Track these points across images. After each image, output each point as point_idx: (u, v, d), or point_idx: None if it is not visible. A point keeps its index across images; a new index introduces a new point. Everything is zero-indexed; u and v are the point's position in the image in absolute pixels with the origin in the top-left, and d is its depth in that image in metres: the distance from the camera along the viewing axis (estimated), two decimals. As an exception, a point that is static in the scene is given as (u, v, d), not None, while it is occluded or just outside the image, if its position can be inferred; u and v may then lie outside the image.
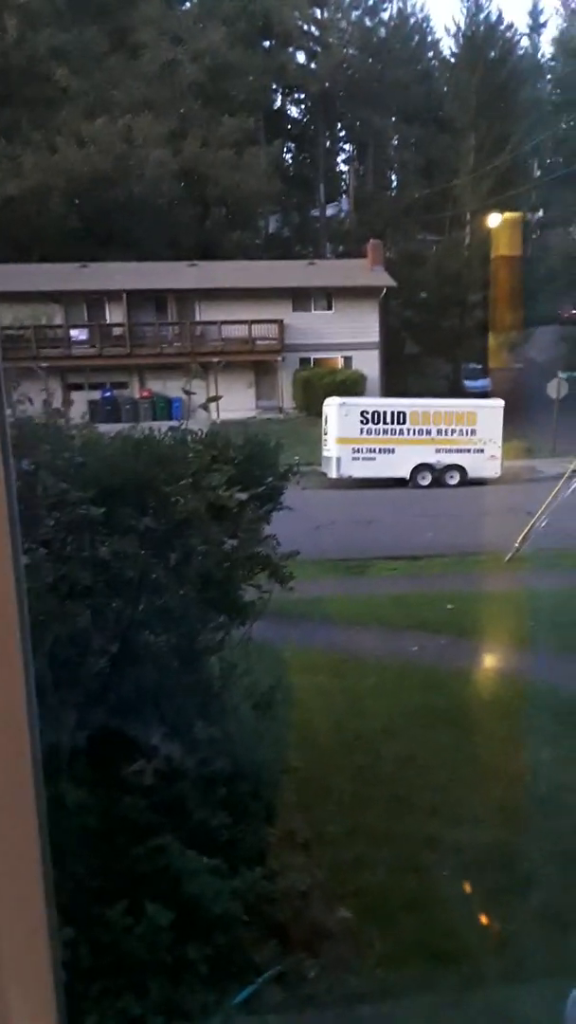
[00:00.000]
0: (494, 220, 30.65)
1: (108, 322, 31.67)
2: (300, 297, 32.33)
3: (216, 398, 4.25)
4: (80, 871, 2.58)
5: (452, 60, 44.60)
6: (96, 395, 28.80)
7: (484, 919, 3.70)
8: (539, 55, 46.76)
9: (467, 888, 3.93)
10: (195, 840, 2.96)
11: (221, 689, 3.85)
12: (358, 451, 21.59)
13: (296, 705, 5.01)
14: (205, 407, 4.17)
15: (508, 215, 30.54)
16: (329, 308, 32.70)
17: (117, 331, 31.36)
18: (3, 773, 0.84)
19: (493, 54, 41.78)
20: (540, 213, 45.70)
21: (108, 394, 29.34)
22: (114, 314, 31.62)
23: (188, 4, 46.00)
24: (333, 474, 21.26)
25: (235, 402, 25.56)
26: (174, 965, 2.67)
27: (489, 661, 8.12)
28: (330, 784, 4.62)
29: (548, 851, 4.26)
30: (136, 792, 2.95)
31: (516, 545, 11.80)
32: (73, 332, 30.69)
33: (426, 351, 37.91)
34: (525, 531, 11.89)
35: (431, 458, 21.83)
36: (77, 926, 2.34)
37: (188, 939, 2.74)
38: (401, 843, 4.14)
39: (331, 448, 21.73)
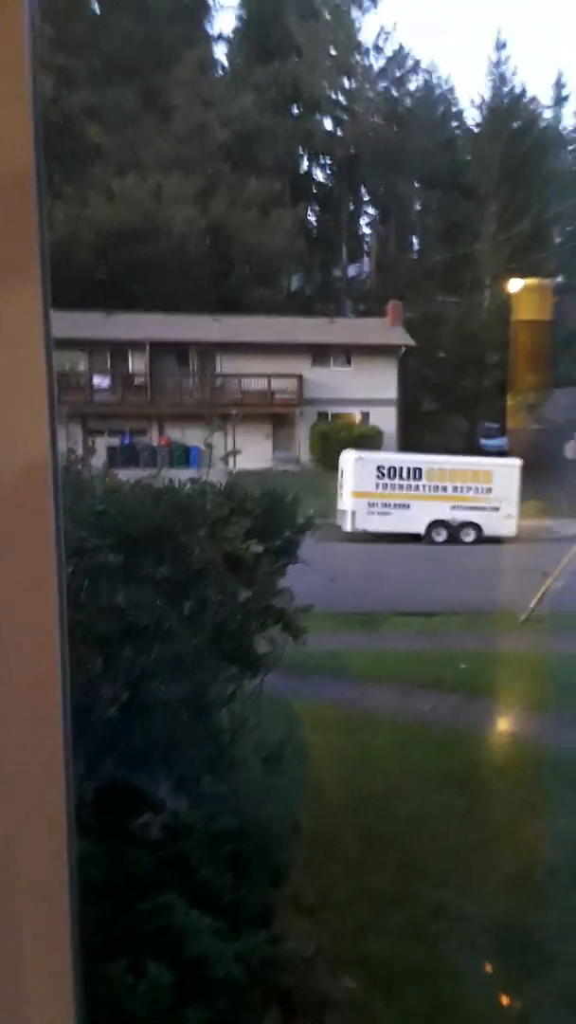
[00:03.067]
0: (515, 285, 31.14)
1: (130, 371, 32.26)
2: (320, 353, 32.83)
3: (235, 452, 4.30)
4: (83, 924, 2.52)
5: (476, 130, 45.88)
6: (115, 441, 29.20)
7: (494, 995, 3.57)
8: (561, 127, 48.03)
9: (477, 961, 3.80)
10: (199, 899, 2.90)
11: (230, 743, 3.80)
12: (373, 505, 21.61)
13: (306, 762, 4.93)
14: (224, 460, 4.21)
15: (529, 281, 31.04)
16: (348, 364, 33.15)
17: (139, 380, 31.91)
18: (38, 818, 0.85)
19: (517, 125, 42.98)
20: (559, 279, 46.40)
21: (127, 441, 29.74)
22: (137, 363, 32.21)
23: (220, 71, 47.86)
24: (348, 527, 21.26)
25: (252, 453, 25.80)
26: (173, 1029, 2.59)
27: (503, 723, 7.98)
28: (338, 845, 4.52)
29: (561, 923, 4.13)
30: (141, 846, 2.90)
31: (531, 605, 11.69)
32: (96, 379, 31.25)
33: (444, 409, 38.23)
34: (541, 591, 11.79)
35: (446, 515, 21.81)
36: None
37: (188, 1001, 2.66)
38: (409, 910, 4.02)
39: (347, 501, 21.77)
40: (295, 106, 46.97)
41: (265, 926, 3.01)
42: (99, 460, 22.66)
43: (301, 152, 48.28)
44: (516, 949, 3.85)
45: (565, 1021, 3.47)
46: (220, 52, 49.52)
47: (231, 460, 4.33)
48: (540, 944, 3.90)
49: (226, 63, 48.65)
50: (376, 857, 4.56)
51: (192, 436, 27.30)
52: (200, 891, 2.94)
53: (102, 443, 28.70)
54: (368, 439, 29.22)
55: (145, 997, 2.52)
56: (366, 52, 47.58)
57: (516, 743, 7.32)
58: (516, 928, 4.00)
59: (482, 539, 21.56)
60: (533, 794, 5.86)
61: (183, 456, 27.08)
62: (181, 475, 4.18)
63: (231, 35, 49.08)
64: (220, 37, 49.87)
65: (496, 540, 21.30)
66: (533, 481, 22.93)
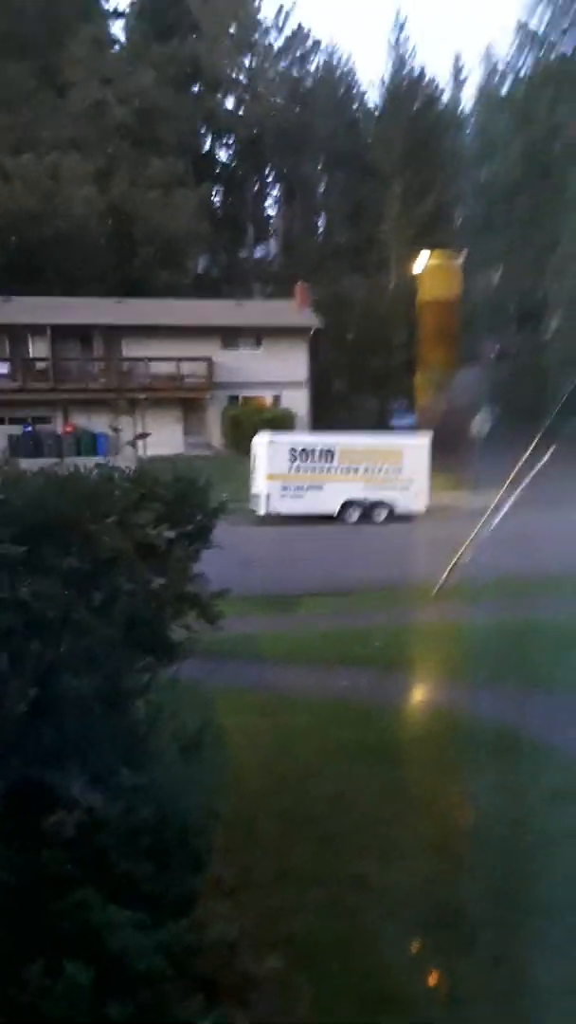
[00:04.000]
0: (420, 265, 31.59)
1: (31, 356, 31.27)
2: (229, 336, 32.61)
3: (144, 435, 4.21)
4: (-5, 930, 2.45)
5: (377, 111, 46.18)
6: (16, 429, 28.30)
7: (417, 961, 3.67)
8: (460, 107, 48.86)
9: (398, 929, 3.89)
10: (118, 893, 2.85)
11: (147, 733, 3.75)
12: (287, 487, 21.70)
13: (225, 747, 4.92)
14: (133, 444, 4.12)
15: (433, 259, 31.53)
16: (258, 347, 33.07)
17: (40, 365, 30.97)
18: None
19: (417, 105, 43.49)
20: (462, 258, 47.36)
21: (29, 428, 28.86)
22: (38, 348, 31.24)
23: (117, 47, 46.58)
24: (262, 511, 21.29)
25: (163, 439, 25.45)
26: (95, 1026, 2.55)
27: (417, 695, 8.18)
28: (258, 827, 4.54)
29: (478, 886, 4.26)
30: (55, 844, 2.83)
31: (442, 579, 11.99)
32: (-8, 365, 30.21)
33: (354, 389, 38.66)
34: (451, 565, 12.11)
35: (359, 494, 22.10)
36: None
37: (110, 997, 2.62)
38: (330, 885, 4.08)
39: (260, 484, 21.79)
40: (195, 85, 46.20)
41: (187, 914, 2.99)
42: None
43: (203, 132, 47.61)
44: (433, 915, 3.96)
45: (485, 977, 3.59)
46: (117, 28, 48.20)
47: (139, 445, 4.24)
48: (457, 908, 4.02)
49: (123, 39, 47.41)
50: (295, 835, 4.60)
51: (99, 423, 26.71)
52: (119, 885, 2.90)
53: (2, 431, 27.76)
54: (280, 422, 29.28)
55: (63, 997, 2.47)
56: (266, 31, 47.24)
57: (428, 713, 7.52)
58: (433, 895, 4.11)
59: (394, 517, 21.97)
60: (445, 761, 6.04)
61: (90, 444, 26.45)
62: (88, 463, 4.07)
63: (127, 10, 47.80)
64: (116, 13, 48.45)
65: (408, 517, 21.75)
66: (442, 457, 23.48)
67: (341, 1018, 3.26)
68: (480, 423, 25.35)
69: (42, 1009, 2.48)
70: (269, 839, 4.39)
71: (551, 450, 12.99)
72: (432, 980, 3.62)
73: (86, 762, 3.19)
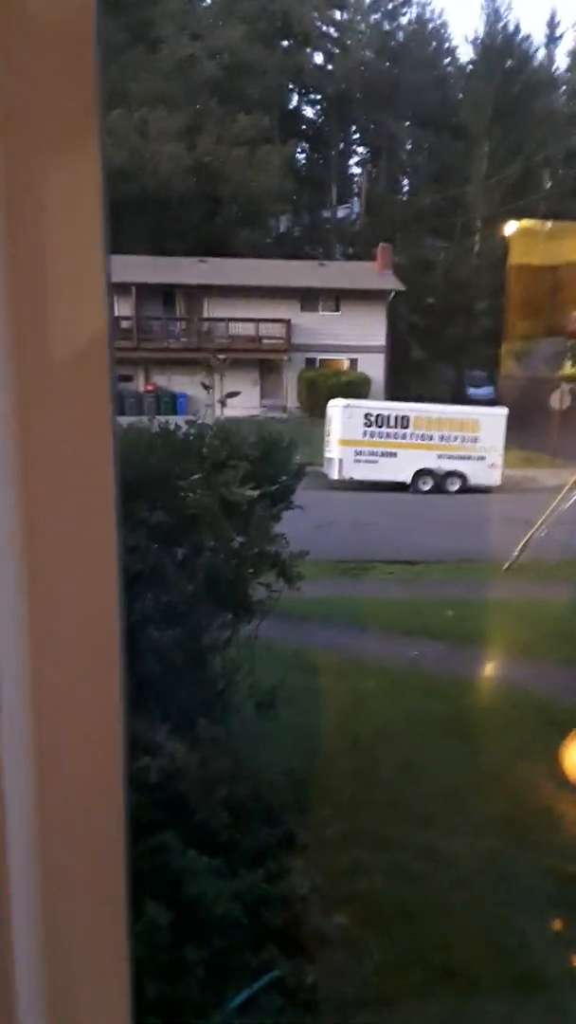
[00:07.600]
0: (511, 228, 30.55)
1: (116, 315, 31.66)
2: (308, 297, 32.30)
3: (234, 394, 4.21)
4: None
5: (469, 67, 44.59)
6: (100, 387, 28.78)
7: (480, 936, 3.67)
8: (554, 67, 46.73)
9: (462, 898, 3.90)
10: (196, 840, 2.93)
11: (224, 688, 3.82)
12: (360, 453, 21.55)
13: (298, 706, 4.97)
14: (223, 402, 4.13)
15: (526, 223, 30.47)
16: (337, 310, 32.67)
17: (125, 324, 31.32)
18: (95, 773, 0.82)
19: (510, 63, 41.78)
20: (549, 224, 45.66)
21: (112, 386, 29.35)
22: (122, 307, 31.57)
23: (208, 1, 46.01)
24: (335, 475, 21.21)
25: (240, 400, 25.39)
26: (171, 966, 2.64)
27: (488, 669, 8.10)
28: (328, 787, 4.59)
29: (543, 865, 4.23)
30: (139, 789, 2.91)
31: (515, 554, 11.77)
32: (80, 323, 30.68)
33: (432, 356, 37.88)
34: (524, 541, 11.87)
35: (433, 463, 21.80)
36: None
37: (186, 940, 2.70)
38: (397, 850, 4.11)
39: (334, 449, 21.69)
40: (284, 39, 45.33)
41: (261, 865, 3.05)
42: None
43: (290, 87, 46.80)
44: (499, 890, 3.95)
45: (543, 949, 3.58)
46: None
47: (226, 403, 4.26)
48: (522, 886, 4.00)
49: (213, -8, 46.76)
50: (364, 798, 4.64)
51: (178, 383, 26.93)
52: (197, 832, 2.97)
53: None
54: (356, 387, 28.96)
55: (142, 936, 2.55)
56: (358, -18, 45.94)
57: (498, 688, 7.44)
58: (499, 870, 4.10)
59: (467, 488, 21.61)
60: (513, 737, 5.98)
61: (170, 403, 26.72)
62: (174, 422, 4.11)
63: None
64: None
65: (481, 489, 21.37)
66: (518, 431, 22.93)
67: (403, 983, 3.30)
68: (560, 397, 24.58)
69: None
70: (339, 800, 4.44)
71: None
72: (491, 949, 3.62)
73: (167, 711, 3.27)
